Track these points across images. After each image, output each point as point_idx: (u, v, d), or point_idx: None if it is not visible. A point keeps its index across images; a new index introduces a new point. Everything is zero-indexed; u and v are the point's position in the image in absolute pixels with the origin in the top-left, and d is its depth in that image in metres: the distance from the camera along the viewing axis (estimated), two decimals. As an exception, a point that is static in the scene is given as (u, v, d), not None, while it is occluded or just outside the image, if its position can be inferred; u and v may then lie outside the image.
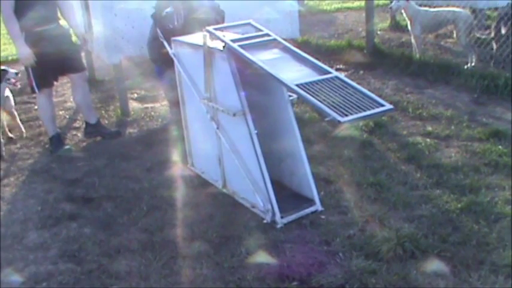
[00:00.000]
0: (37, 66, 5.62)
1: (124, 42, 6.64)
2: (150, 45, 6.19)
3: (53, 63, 5.74)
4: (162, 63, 6.02)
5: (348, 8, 14.02)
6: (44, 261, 3.98)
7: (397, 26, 10.69)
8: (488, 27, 8.98)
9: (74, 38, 6.15)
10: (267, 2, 7.21)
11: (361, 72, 8.37)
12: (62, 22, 5.99)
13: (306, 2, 14.38)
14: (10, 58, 10.66)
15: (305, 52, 4.20)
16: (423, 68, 7.88)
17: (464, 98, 6.81)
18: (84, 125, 6.55)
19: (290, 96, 4.36)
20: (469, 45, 7.85)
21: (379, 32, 10.41)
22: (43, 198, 4.98)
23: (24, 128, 6.76)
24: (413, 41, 8.45)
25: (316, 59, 4.11)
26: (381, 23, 11.09)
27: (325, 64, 4.10)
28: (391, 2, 8.45)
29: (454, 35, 8.10)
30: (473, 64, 7.71)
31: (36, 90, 5.83)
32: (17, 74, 6.13)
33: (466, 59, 7.87)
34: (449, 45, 9.14)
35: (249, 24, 4.66)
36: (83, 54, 8.67)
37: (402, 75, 7.98)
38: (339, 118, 3.39)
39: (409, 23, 8.35)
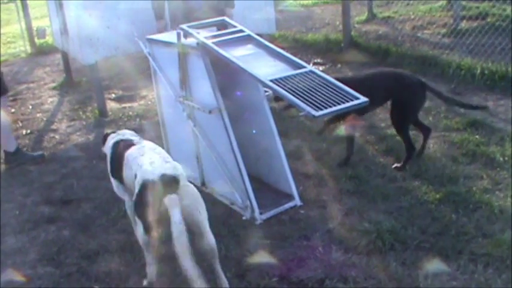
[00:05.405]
0: None
1: (99, 43, 6.59)
2: None
3: None
4: None
5: (325, 2, 14.05)
6: (23, 265, 3.93)
7: (374, 19, 10.73)
8: (464, 17, 9.04)
9: None
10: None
11: (339, 65, 8.39)
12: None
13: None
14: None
15: (282, 47, 4.21)
16: (400, 60, 7.91)
17: (442, 89, 6.82)
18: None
19: (266, 91, 4.35)
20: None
21: (356, 25, 10.43)
22: (21, 201, 4.93)
23: None
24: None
25: (293, 53, 4.12)
26: (358, 16, 11.12)
27: (302, 58, 4.11)
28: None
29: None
30: None
31: None
32: None
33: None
34: (426, 36, 9.17)
35: (223, 20, 4.64)
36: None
37: (379, 67, 7.98)
38: (314, 113, 3.38)
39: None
